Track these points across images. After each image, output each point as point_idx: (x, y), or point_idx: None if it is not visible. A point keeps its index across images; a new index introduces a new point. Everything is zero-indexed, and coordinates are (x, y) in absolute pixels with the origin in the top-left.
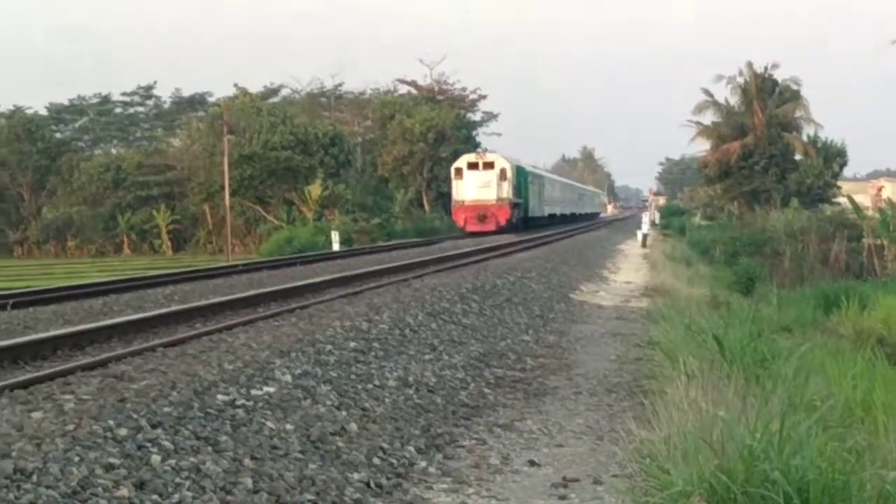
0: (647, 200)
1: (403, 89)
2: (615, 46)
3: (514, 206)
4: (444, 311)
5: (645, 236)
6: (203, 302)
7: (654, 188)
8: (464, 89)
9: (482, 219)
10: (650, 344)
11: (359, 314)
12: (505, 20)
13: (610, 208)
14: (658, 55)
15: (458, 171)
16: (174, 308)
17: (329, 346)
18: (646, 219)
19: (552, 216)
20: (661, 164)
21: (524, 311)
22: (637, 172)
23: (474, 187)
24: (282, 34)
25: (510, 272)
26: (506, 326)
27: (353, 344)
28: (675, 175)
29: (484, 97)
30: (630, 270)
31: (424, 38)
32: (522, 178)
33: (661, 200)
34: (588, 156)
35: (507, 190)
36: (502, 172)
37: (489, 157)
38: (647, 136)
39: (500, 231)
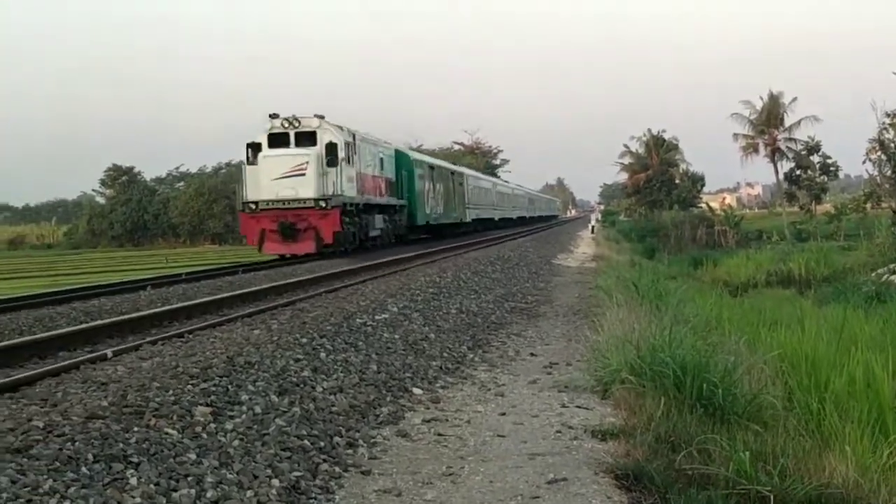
0: (593, 207)
1: (456, 147)
2: (578, 116)
3: (374, 208)
4: (481, 270)
5: (593, 227)
6: (347, 267)
7: (598, 200)
8: (490, 146)
9: (289, 232)
10: (597, 287)
11: (433, 273)
12: (516, 101)
13: (574, 212)
14: (601, 121)
15: (255, 149)
16: (331, 271)
17: (418, 291)
18: (593, 217)
19: (488, 220)
20: (601, 186)
21: (526, 270)
22: (588, 190)
23: (274, 178)
24: (398, 115)
25: (517, 249)
26: (516, 279)
27: (431, 290)
28: (610, 192)
29: (501, 150)
30: (584, 246)
31: (468, 116)
32: (406, 171)
33: (602, 207)
34: (560, 182)
35: (338, 182)
36: (330, 149)
37: (307, 124)
38: (595, 169)
39: (324, 253)
